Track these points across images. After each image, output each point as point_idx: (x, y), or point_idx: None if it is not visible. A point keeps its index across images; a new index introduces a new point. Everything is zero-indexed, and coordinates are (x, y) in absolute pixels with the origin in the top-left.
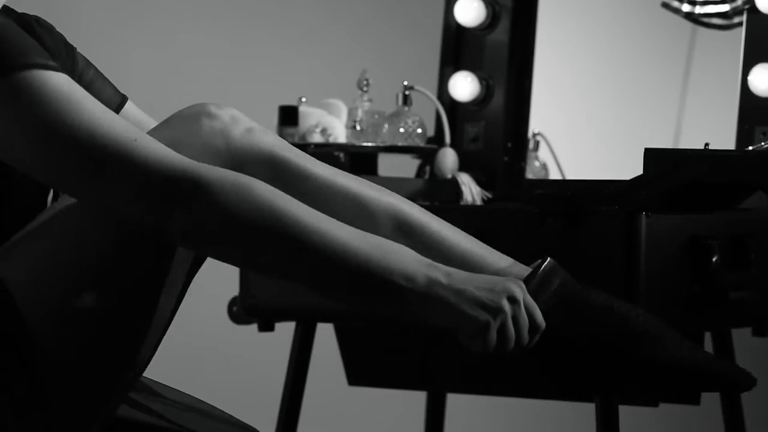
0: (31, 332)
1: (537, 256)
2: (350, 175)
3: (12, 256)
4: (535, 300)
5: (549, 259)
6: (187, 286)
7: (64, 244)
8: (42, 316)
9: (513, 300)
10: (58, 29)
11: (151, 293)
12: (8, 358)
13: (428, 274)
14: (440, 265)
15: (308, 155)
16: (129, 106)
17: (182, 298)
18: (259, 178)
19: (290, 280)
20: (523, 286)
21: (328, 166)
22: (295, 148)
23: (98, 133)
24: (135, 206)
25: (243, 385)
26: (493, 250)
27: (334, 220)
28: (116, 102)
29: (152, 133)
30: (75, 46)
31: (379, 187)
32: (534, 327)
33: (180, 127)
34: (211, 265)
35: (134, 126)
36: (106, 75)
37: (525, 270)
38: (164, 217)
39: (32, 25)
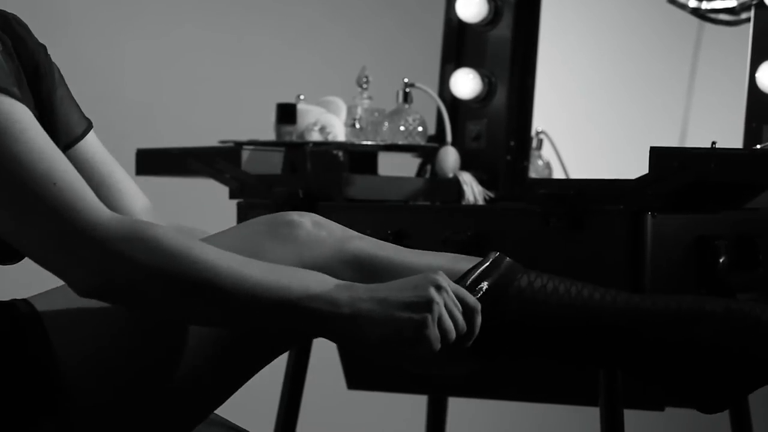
0: (64, 376)
1: (540, 256)
2: (411, 251)
3: (55, 297)
4: (472, 289)
5: (497, 253)
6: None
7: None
8: (78, 363)
9: (439, 287)
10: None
11: (189, 359)
12: (39, 397)
13: (349, 294)
14: (359, 284)
15: (388, 244)
16: (90, 136)
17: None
18: (347, 278)
19: (217, 326)
20: (443, 274)
21: (407, 250)
22: (373, 239)
23: (21, 169)
24: (39, 251)
25: (240, 389)
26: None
27: (245, 259)
28: (81, 128)
29: (224, 238)
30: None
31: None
32: (468, 309)
33: (258, 239)
34: None
35: (67, 166)
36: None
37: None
38: (67, 268)
39: (11, 24)
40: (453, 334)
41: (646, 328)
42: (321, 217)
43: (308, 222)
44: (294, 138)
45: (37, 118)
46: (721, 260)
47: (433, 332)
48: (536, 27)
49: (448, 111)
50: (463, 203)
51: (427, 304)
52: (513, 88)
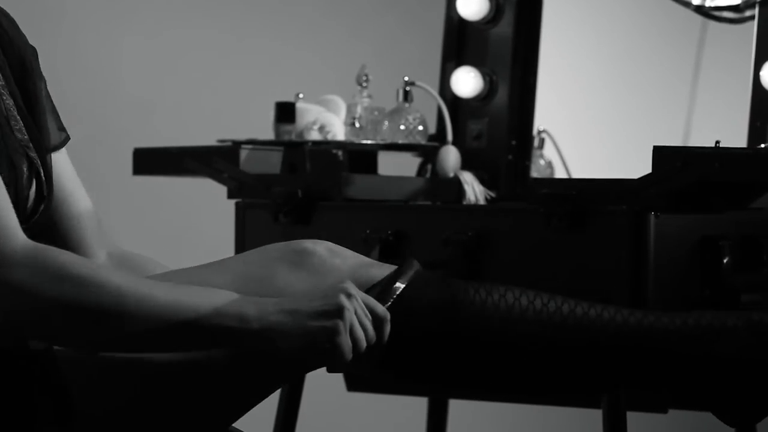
0: (78, 416)
1: (541, 257)
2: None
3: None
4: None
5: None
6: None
7: None
8: (91, 400)
9: (349, 295)
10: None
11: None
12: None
13: (257, 308)
14: (269, 298)
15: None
16: (62, 154)
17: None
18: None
19: (127, 351)
20: (351, 283)
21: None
22: (386, 265)
23: None
24: None
25: None
26: None
27: (152, 282)
28: (56, 142)
29: (236, 263)
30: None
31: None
32: (377, 319)
33: (271, 265)
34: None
35: None
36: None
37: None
38: None
39: None
40: (364, 343)
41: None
42: (335, 244)
43: (322, 249)
44: (293, 137)
45: (25, 113)
46: (725, 261)
47: (345, 340)
48: (538, 25)
49: (449, 110)
50: (464, 203)
51: (338, 312)
52: (514, 87)
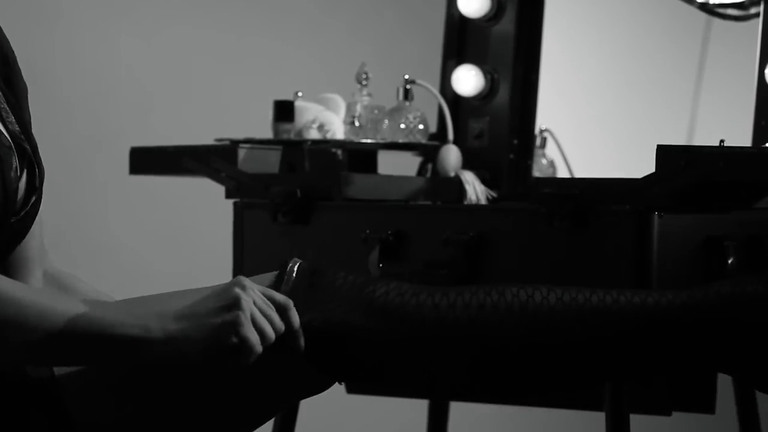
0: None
1: (544, 257)
2: None
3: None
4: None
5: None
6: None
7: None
8: (89, 415)
9: (243, 287)
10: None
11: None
12: None
13: (159, 318)
14: (170, 309)
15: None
16: None
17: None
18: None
19: (30, 363)
20: (245, 278)
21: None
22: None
23: None
24: None
25: None
26: None
27: (55, 294)
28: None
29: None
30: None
31: None
32: (280, 307)
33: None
34: (207, 265)
35: None
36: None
37: None
38: None
39: None
40: (270, 331)
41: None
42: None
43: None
44: (292, 136)
45: (14, 105)
46: (729, 261)
47: (250, 330)
48: (540, 22)
49: (450, 108)
50: (465, 203)
51: (236, 304)
52: (516, 85)
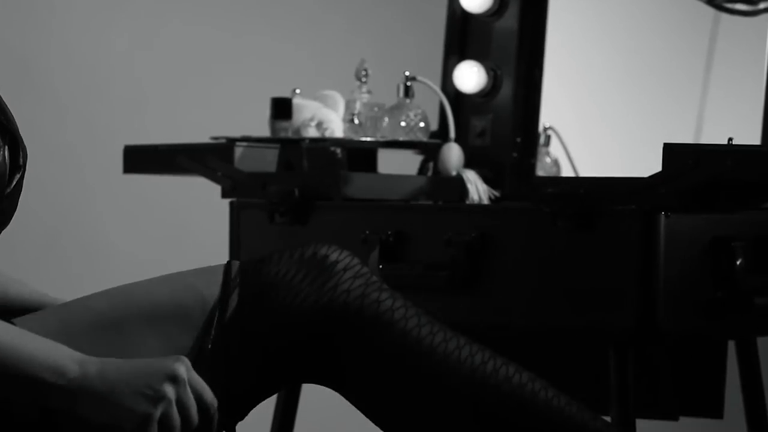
0: None
1: (548, 258)
2: None
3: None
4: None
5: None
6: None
7: None
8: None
9: (175, 380)
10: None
11: None
12: None
13: (80, 368)
14: (95, 358)
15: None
16: None
17: None
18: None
19: None
20: (188, 362)
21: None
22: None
23: None
24: None
25: None
26: None
27: None
28: None
29: (256, 265)
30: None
31: None
32: (204, 407)
33: (293, 270)
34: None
35: None
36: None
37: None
38: None
39: None
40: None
41: None
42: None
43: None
44: (289, 134)
45: None
46: (738, 262)
47: (153, 430)
48: (543, 17)
49: (451, 106)
50: (467, 202)
51: (156, 399)
52: (519, 82)
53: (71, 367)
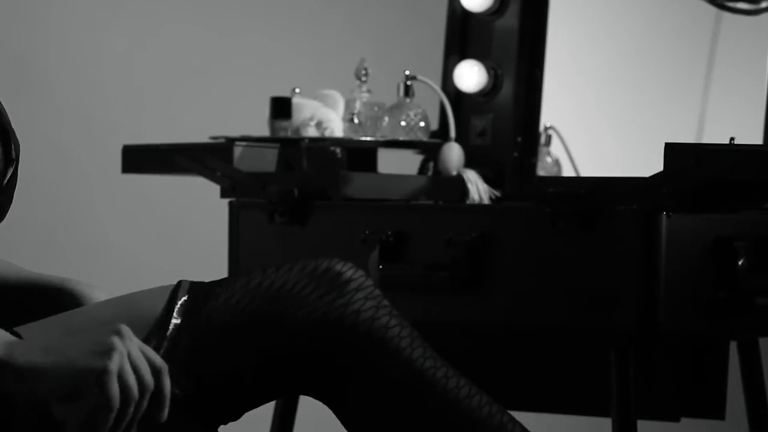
0: None
1: (548, 259)
2: None
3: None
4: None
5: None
6: None
7: None
8: None
9: (122, 336)
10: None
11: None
12: None
13: (25, 345)
14: (41, 338)
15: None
16: None
17: None
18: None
19: None
20: (126, 326)
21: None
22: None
23: None
24: None
25: None
26: None
27: None
28: None
29: (262, 276)
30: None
31: None
32: (154, 369)
33: (303, 281)
34: (202, 267)
35: None
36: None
37: None
38: None
39: None
40: (136, 392)
41: None
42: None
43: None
44: (289, 134)
45: None
46: (740, 263)
47: (113, 385)
48: (544, 16)
49: (452, 105)
50: (468, 202)
51: (107, 351)
52: (520, 81)
53: (17, 347)
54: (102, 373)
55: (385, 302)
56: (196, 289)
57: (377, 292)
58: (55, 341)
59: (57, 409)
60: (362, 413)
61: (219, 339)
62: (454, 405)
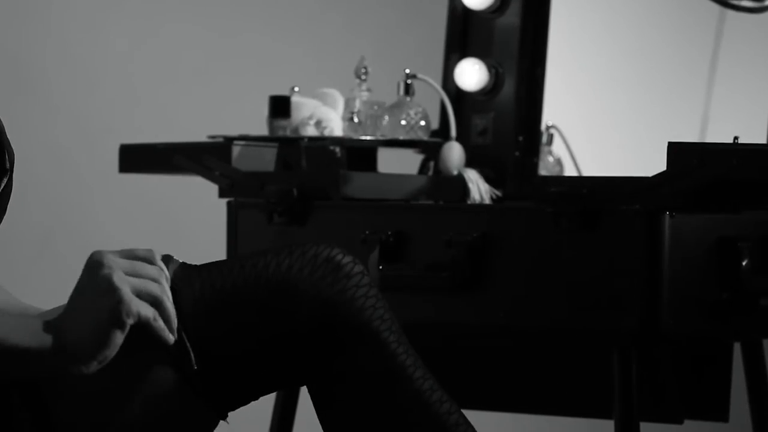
0: None
1: (550, 259)
2: None
3: None
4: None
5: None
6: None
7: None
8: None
9: (104, 263)
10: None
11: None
12: None
13: (48, 325)
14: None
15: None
16: None
17: None
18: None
19: None
20: (97, 251)
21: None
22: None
23: None
24: None
25: None
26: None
27: None
28: None
29: (257, 258)
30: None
31: None
32: (146, 260)
33: (298, 264)
34: None
35: None
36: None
37: None
38: None
39: None
40: (157, 289)
41: None
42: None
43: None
44: (288, 133)
45: None
46: (744, 263)
47: (139, 304)
48: (546, 14)
49: (453, 104)
50: (469, 202)
51: (109, 285)
52: (522, 80)
53: (46, 329)
54: (122, 304)
55: (380, 296)
56: (187, 267)
57: (374, 285)
58: (60, 313)
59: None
60: (336, 399)
61: (214, 316)
62: (424, 408)
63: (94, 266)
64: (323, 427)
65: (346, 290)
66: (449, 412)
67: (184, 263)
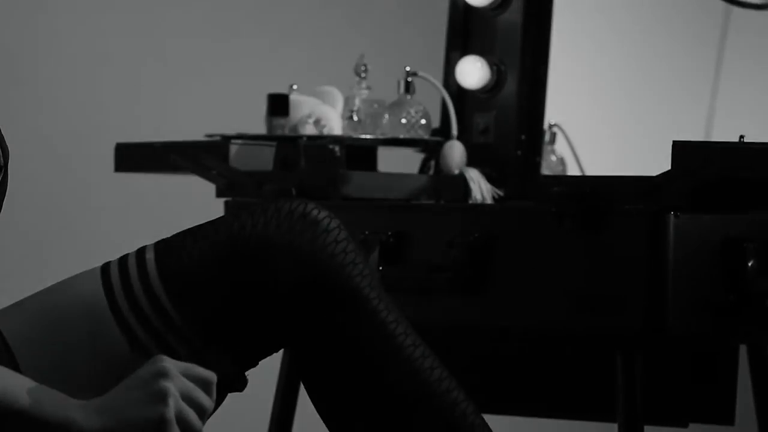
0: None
1: (553, 260)
2: None
3: (14, 314)
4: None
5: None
6: None
7: (63, 311)
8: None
9: (168, 375)
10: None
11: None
12: None
13: (83, 411)
14: (94, 399)
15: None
16: None
17: None
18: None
19: None
20: (163, 356)
21: None
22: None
23: None
24: None
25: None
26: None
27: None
28: None
29: (234, 218)
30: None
31: None
32: (206, 385)
33: (272, 227)
34: None
35: None
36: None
37: None
38: None
39: None
40: (198, 424)
41: None
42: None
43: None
44: (286, 131)
45: None
46: (749, 264)
47: (174, 428)
48: (549, 11)
49: (454, 102)
50: (470, 202)
51: (160, 398)
52: (524, 78)
53: (76, 411)
54: (161, 421)
55: (360, 251)
56: (159, 246)
57: (351, 240)
58: (108, 399)
59: None
60: (317, 358)
61: (199, 288)
62: (406, 364)
63: (157, 372)
64: (305, 387)
65: (326, 246)
66: (432, 367)
67: (157, 243)
